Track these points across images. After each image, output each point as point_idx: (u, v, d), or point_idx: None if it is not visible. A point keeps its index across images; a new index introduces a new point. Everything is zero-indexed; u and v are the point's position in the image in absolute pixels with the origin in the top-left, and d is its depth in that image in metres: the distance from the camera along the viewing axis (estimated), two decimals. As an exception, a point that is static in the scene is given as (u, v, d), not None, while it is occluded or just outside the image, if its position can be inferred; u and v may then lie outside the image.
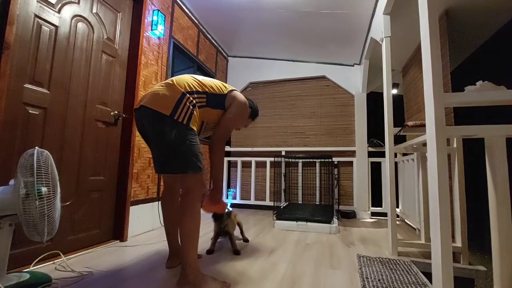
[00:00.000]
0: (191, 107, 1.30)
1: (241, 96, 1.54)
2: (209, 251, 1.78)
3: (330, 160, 3.19)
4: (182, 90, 1.31)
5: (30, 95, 1.46)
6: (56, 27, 1.61)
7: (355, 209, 3.45)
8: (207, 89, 1.42)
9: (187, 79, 1.40)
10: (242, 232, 2.13)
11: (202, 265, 1.54)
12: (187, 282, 1.19)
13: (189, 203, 1.25)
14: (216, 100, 1.45)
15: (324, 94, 3.85)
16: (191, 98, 1.33)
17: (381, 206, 3.38)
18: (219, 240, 1.93)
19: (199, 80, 1.44)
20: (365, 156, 3.50)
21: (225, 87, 1.53)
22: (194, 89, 1.37)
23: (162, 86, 1.35)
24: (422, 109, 2.69)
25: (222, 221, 1.84)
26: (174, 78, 1.39)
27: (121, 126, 2.09)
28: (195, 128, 1.32)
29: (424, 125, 1.19)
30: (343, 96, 3.75)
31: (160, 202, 1.49)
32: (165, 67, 2.59)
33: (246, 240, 2.08)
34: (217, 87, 1.48)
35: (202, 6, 2.97)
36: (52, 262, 1.50)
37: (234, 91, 1.54)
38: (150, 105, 1.27)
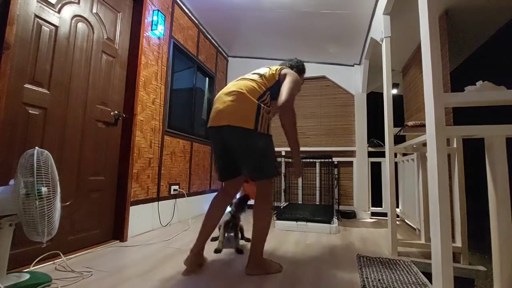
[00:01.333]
0: (266, 115, 1.45)
1: (288, 70, 1.60)
2: (217, 250, 1.79)
3: (330, 160, 3.19)
4: (257, 102, 1.43)
5: (30, 95, 1.46)
6: (56, 27, 1.61)
7: (355, 209, 3.45)
8: (265, 86, 1.51)
9: (251, 85, 1.48)
10: (242, 235, 2.07)
11: (206, 264, 1.54)
12: (256, 266, 1.45)
13: (267, 205, 1.49)
14: (275, 90, 1.51)
15: (324, 94, 3.85)
16: (264, 106, 1.45)
17: (381, 206, 3.38)
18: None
19: (257, 81, 1.51)
20: (365, 156, 3.50)
21: (272, 70, 1.58)
22: (259, 93, 1.46)
23: (233, 98, 1.43)
24: (422, 109, 2.69)
25: (241, 210, 1.87)
26: (240, 87, 1.46)
27: (121, 126, 2.09)
28: (271, 133, 1.49)
29: (424, 125, 1.19)
30: (343, 96, 3.75)
31: (213, 202, 1.62)
32: (165, 67, 2.59)
33: (248, 240, 2.02)
34: (270, 76, 1.55)
35: (202, 6, 2.97)
36: (52, 262, 1.50)
37: (283, 70, 1.59)
38: (234, 123, 1.39)
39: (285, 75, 1.54)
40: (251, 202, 3.92)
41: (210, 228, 1.57)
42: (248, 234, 2.30)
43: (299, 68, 1.79)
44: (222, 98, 1.48)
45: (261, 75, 1.55)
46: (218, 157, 1.59)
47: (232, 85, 1.52)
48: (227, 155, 1.53)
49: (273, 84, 1.53)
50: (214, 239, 1.81)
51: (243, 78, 1.57)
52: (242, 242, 2.00)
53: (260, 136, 1.42)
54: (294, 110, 1.48)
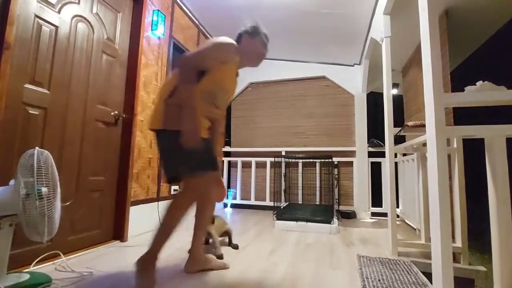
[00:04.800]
0: (174, 108, 1.28)
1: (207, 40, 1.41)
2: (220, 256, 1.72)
3: (330, 160, 3.19)
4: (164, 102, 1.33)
5: (30, 95, 1.46)
6: (56, 27, 1.61)
7: (355, 209, 3.45)
8: (174, 80, 1.34)
9: (161, 90, 1.39)
10: (230, 241, 1.97)
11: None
12: (196, 262, 1.45)
13: (184, 197, 1.44)
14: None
15: (324, 94, 3.84)
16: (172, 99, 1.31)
17: (381, 206, 3.38)
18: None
19: (166, 80, 1.40)
20: (365, 156, 3.50)
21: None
22: (169, 90, 1.33)
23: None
24: (422, 109, 2.69)
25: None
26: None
27: (121, 126, 2.09)
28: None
29: (424, 125, 1.19)
30: (343, 96, 3.75)
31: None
32: (165, 67, 2.59)
33: (235, 247, 1.90)
34: None
35: (202, 6, 2.97)
36: (52, 262, 1.50)
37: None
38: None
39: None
40: (245, 201, 3.90)
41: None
42: (248, 234, 2.30)
43: (247, 32, 1.56)
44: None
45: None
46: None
47: None
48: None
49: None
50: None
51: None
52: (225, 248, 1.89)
53: (171, 133, 1.25)
54: (190, 65, 1.27)
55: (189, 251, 1.52)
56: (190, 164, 1.30)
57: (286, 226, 2.55)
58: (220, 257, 1.66)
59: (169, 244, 1.95)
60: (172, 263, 1.59)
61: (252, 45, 1.51)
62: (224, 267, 1.52)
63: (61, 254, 1.52)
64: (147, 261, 1.29)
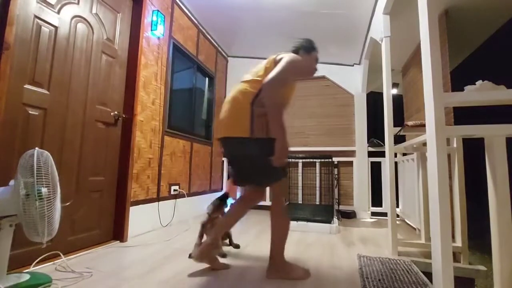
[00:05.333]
0: (260, 118, 1.37)
1: (286, 53, 1.47)
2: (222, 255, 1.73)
3: (330, 160, 3.19)
4: (249, 107, 1.38)
5: (30, 96, 1.46)
6: (56, 27, 1.61)
7: (355, 209, 3.45)
8: (259, 83, 1.38)
9: (244, 87, 1.43)
10: (230, 241, 1.94)
11: (200, 265, 1.54)
12: (275, 269, 1.42)
13: (278, 206, 1.48)
14: None
15: (324, 94, 3.84)
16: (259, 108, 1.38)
17: (381, 206, 3.38)
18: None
19: (250, 80, 1.43)
20: (365, 156, 3.50)
21: (268, 62, 1.46)
22: (253, 94, 1.38)
23: (228, 107, 1.43)
24: (422, 109, 2.69)
25: (217, 209, 1.78)
26: (234, 94, 1.44)
27: (121, 127, 2.09)
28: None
29: (424, 125, 1.19)
30: (343, 96, 3.75)
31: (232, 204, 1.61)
32: (165, 68, 2.59)
33: (236, 247, 1.90)
34: (265, 69, 1.42)
35: (202, 6, 2.97)
36: (52, 262, 1.50)
37: (279, 55, 1.44)
38: (230, 134, 1.40)
39: (281, 59, 1.41)
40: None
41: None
42: (248, 234, 2.30)
43: (304, 47, 1.63)
44: (223, 106, 1.48)
45: (256, 72, 1.46)
46: (228, 164, 1.64)
47: (231, 91, 1.49)
48: (234, 164, 1.55)
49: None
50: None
51: (241, 81, 1.50)
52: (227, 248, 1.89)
53: (257, 142, 1.35)
54: (277, 91, 1.34)
55: (270, 257, 1.47)
56: (272, 173, 1.39)
57: (286, 226, 2.55)
58: (236, 246, 1.81)
59: (169, 244, 1.96)
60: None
61: (308, 60, 1.60)
62: (306, 276, 1.42)
63: (61, 254, 1.52)
64: (210, 247, 1.47)
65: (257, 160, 1.38)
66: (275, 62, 1.42)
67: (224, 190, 3.96)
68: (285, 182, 1.48)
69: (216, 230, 1.54)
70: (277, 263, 1.43)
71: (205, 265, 1.53)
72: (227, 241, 1.95)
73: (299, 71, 1.53)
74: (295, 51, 1.61)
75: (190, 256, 1.60)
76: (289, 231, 1.48)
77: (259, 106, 1.37)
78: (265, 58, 1.57)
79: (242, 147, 1.39)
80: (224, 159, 4.00)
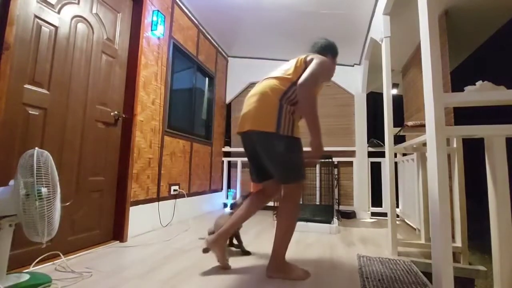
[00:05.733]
0: (289, 115, 1.40)
1: (316, 55, 1.51)
2: (206, 250, 1.76)
3: (330, 160, 3.18)
4: (279, 102, 1.38)
5: (30, 96, 1.46)
6: (56, 27, 1.61)
7: (355, 209, 3.45)
8: (289, 81, 1.42)
9: (274, 83, 1.44)
10: (240, 244, 1.85)
11: (200, 265, 1.54)
12: (276, 269, 1.41)
13: (290, 206, 1.46)
14: None
15: (324, 94, 3.83)
16: (287, 106, 1.40)
17: (381, 206, 3.38)
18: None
19: (280, 77, 1.45)
20: (365, 156, 3.50)
21: (298, 61, 1.48)
22: (282, 91, 1.40)
23: (255, 100, 1.43)
24: (422, 109, 2.69)
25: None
26: (263, 88, 1.44)
27: (121, 127, 2.09)
28: (299, 136, 1.46)
29: (424, 125, 1.19)
30: (343, 96, 3.75)
31: (249, 199, 1.61)
32: (165, 68, 2.59)
33: (246, 253, 1.79)
34: (295, 68, 1.45)
35: (202, 6, 2.97)
36: (52, 262, 1.50)
37: (309, 56, 1.48)
38: (255, 128, 1.39)
39: (311, 60, 1.45)
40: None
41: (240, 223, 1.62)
42: (248, 234, 2.30)
43: (332, 50, 1.68)
44: (247, 101, 1.49)
45: (285, 70, 1.48)
46: (248, 160, 1.60)
47: (256, 86, 1.50)
48: (255, 159, 1.52)
49: (300, 75, 1.40)
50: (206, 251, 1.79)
51: (268, 77, 1.51)
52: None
53: (282, 138, 1.37)
54: (313, 92, 1.40)
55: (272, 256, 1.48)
56: (297, 171, 1.42)
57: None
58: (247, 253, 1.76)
59: (169, 244, 1.96)
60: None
61: (333, 63, 1.65)
62: (305, 277, 1.42)
63: (61, 254, 1.52)
64: (220, 238, 1.50)
65: (283, 156, 1.39)
66: (306, 62, 1.46)
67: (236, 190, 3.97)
68: (303, 184, 1.49)
69: (231, 220, 1.54)
70: (278, 262, 1.43)
71: (205, 265, 1.53)
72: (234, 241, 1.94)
73: (327, 73, 1.58)
74: (322, 52, 1.62)
75: (204, 250, 1.62)
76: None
77: (288, 103, 1.40)
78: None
79: (267, 142, 1.39)
80: (225, 159, 4.01)
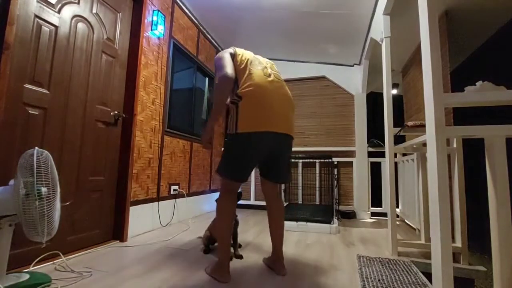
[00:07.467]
0: None
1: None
2: (206, 251, 1.79)
3: (330, 160, 3.19)
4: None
5: (30, 95, 1.46)
6: (56, 27, 1.61)
7: (355, 209, 3.45)
8: None
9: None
10: (235, 246, 1.77)
11: (200, 265, 1.54)
12: (284, 266, 1.50)
13: (283, 203, 1.66)
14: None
15: (324, 94, 3.84)
16: None
17: (381, 206, 3.38)
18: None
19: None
20: (365, 156, 3.50)
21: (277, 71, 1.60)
22: None
23: (291, 105, 1.51)
24: (422, 109, 2.69)
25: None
26: (289, 94, 1.53)
27: (121, 126, 2.09)
28: None
29: (424, 125, 1.19)
30: (343, 96, 3.75)
31: (229, 208, 1.47)
32: (165, 68, 2.59)
33: (238, 257, 1.72)
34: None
35: (202, 6, 2.97)
36: (52, 262, 1.50)
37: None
38: (292, 133, 1.49)
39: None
40: (245, 201, 3.90)
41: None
42: (248, 234, 2.30)
43: None
44: (282, 101, 1.44)
45: (279, 76, 1.54)
46: (253, 159, 1.42)
47: (280, 86, 1.47)
48: (266, 159, 1.47)
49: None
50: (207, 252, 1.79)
51: (278, 79, 1.49)
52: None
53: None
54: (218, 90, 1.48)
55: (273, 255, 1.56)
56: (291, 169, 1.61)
57: (286, 226, 2.53)
58: (239, 257, 1.71)
59: (168, 244, 1.96)
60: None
61: None
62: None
63: (61, 254, 1.52)
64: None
65: (290, 158, 1.61)
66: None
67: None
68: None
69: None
70: (281, 256, 1.52)
71: (204, 265, 1.53)
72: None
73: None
74: None
75: (205, 251, 1.75)
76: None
77: None
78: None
79: (291, 148, 1.55)
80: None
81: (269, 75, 1.45)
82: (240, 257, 1.72)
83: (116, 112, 2.02)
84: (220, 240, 1.47)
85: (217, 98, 1.42)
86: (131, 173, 2.09)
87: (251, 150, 1.37)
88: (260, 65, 1.48)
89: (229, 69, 1.40)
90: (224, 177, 1.44)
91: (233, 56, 1.49)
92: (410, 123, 1.80)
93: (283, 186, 3.55)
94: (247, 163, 1.42)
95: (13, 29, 1.35)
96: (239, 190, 1.77)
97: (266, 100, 1.37)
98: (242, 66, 1.44)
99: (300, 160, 3.67)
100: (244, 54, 1.51)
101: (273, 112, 1.37)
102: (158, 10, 2.41)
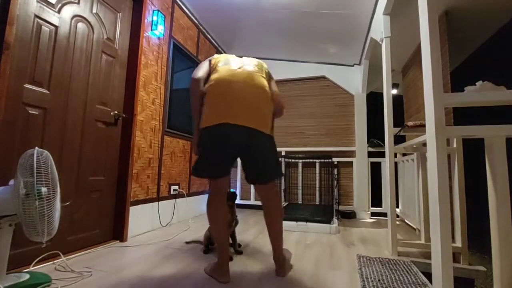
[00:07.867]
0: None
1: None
2: (206, 251, 1.79)
3: (330, 160, 3.19)
4: (272, 103, 1.47)
5: (30, 95, 1.46)
6: (56, 27, 1.61)
7: (355, 209, 3.45)
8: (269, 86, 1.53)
9: (265, 83, 1.46)
10: (234, 246, 1.82)
11: (200, 265, 1.54)
12: (286, 266, 1.48)
13: (280, 201, 1.62)
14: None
15: (324, 94, 3.84)
16: None
17: (381, 206, 3.38)
18: None
19: (265, 80, 1.50)
20: (365, 156, 3.50)
21: (265, 71, 1.56)
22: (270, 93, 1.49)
23: (260, 95, 1.39)
24: (422, 109, 2.69)
25: (234, 208, 1.81)
26: (262, 83, 1.42)
27: (121, 126, 2.09)
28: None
29: (424, 125, 1.19)
30: (343, 96, 3.75)
31: (218, 207, 1.42)
32: (165, 67, 2.59)
33: (238, 252, 1.79)
34: (266, 75, 1.55)
35: (202, 6, 2.97)
36: (52, 262, 1.50)
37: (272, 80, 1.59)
38: (260, 128, 1.36)
39: (270, 76, 1.57)
40: (245, 201, 3.89)
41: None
42: (248, 234, 2.30)
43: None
44: (250, 93, 1.34)
45: (260, 70, 1.47)
46: (219, 153, 1.34)
47: (248, 76, 1.37)
48: (243, 159, 1.44)
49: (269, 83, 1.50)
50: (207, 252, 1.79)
51: (252, 71, 1.41)
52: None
53: (272, 138, 1.46)
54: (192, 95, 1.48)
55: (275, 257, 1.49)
56: (280, 167, 1.54)
57: (286, 226, 2.55)
58: (239, 252, 1.77)
59: (168, 244, 1.96)
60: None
61: None
62: (289, 256, 1.59)
63: (61, 254, 1.52)
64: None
65: (274, 155, 1.48)
66: (268, 75, 1.53)
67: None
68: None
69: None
70: (281, 257, 1.47)
71: (204, 265, 1.53)
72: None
73: None
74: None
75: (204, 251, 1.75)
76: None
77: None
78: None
79: (266, 143, 1.40)
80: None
81: (239, 68, 1.39)
82: (240, 252, 1.78)
83: (116, 112, 2.02)
84: (217, 241, 1.48)
85: (191, 100, 1.46)
86: (131, 173, 2.09)
87: (213, 144, 1.32)
88: (235, 64, 1.43)
89: (198, 72, 1.43)
90: (194, 175, 1.43)
91: (210, 62, 1.50)
92: (410, 123, 1.80)
93: (282, 186, 3.55)
94: (213, 159, 1.35)
95: (13, 29, 1.35)
96: (232, 190, 1.80)
97: (227, 92, 1.32)
98: (214, 67, 1.45)
99: (300, 160, 3.67)
100: (219, 57, 1.49)
101: (236, 104, 1.30)
102: (158, 10, 2.41)
